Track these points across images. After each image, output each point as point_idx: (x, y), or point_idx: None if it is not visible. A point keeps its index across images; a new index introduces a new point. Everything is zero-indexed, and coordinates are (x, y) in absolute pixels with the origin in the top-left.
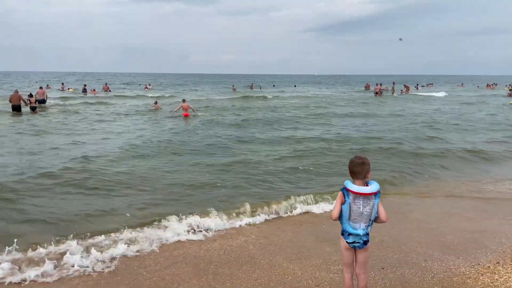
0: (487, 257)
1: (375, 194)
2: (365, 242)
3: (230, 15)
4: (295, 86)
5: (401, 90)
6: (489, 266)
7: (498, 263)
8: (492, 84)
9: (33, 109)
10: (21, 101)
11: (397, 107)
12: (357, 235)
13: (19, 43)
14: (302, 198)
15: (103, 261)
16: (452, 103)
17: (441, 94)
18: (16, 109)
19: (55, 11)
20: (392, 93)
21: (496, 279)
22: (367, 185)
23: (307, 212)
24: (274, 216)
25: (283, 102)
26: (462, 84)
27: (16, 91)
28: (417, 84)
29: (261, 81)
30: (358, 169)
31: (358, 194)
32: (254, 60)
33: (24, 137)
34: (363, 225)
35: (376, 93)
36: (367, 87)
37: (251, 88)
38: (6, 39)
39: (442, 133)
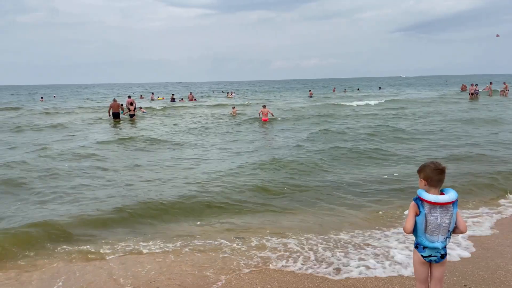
0: None
1: (453, 203)
2: (443, 256)
3: (314, 20)
4: (380, 88)
5: (501, 90)
6: None
7: None
8: None
9: (131, 116)
10: (120, 109)
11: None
12: (435, 248)
13: (117, 58)
14: None
15: None
16: None
17: None
18: (116, 116)
19: (148, 25)
20: (490, 95)
21: None
22: (442, 194)
23: None
24: None
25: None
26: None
27: (114, 100)
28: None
29: (345, 84)
30: (438, 177)
31: (435, 204)
32: (338, 63)
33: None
34: (441, 238)
35: (472, 94)
36: (463, 88)
37: (334, 91)
38: (107, 54)
39: None
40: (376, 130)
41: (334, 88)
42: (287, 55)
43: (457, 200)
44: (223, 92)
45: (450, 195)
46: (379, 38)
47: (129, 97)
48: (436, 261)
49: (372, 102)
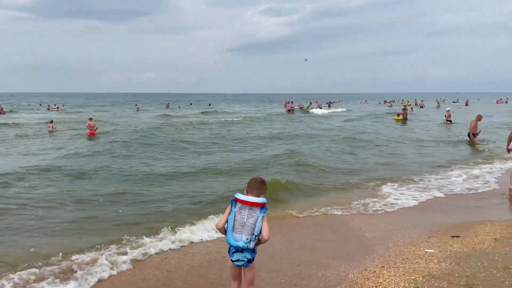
0: (374, 262)
1: (261, 207)
2: (250, 261)
3: (149, 33)
4: (209, 104)
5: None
6: (374, 271)
7: (383, 267)
8: (390, 101)
9: None
10: None
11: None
12: (238, 247)
13: None
14: None
15: None
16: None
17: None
18: None
19: None
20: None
21: (380, 282)
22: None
23: None
24: None
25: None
26: (366, 101)
27: None
28: (329, 102)
29: (178, 100)
30: (255, 186)
31: (244, 203)
32: (173, 78)
33: None
34: (245, 237)
35: (289, 110)
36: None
37: (167, 107)
38: None
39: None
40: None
41: (168, 104)
42: (121, 68)
43: (265, 206)
44: (41, 105)
45: (259, 199)
46: (211, 56)
47: None
48: (244, 266)
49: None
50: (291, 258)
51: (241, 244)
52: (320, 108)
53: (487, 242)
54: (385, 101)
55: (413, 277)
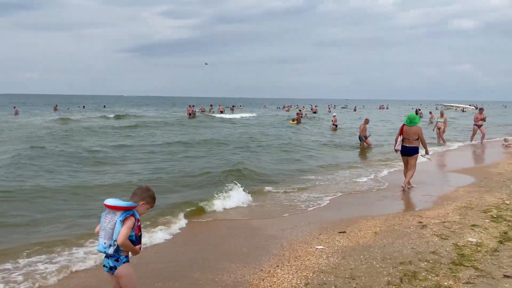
0: (269, 262)
1: (123, 212)
2: (111, 268)
3: (35, 29)
4: (104, 106)
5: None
6: (269, 271)
7: (277, 266)
8: (287, 106)
9: None
10: None
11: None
12: (100, 251)
13: None
14: None
15: None
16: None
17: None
18: None
19: None
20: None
21: (274, 281)
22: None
23: None
24: None
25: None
26: (265, 106)
27: None
28: (233, 106)
29: (69, 102)
30: (137, 192)
31: (106, 207)
32: (61, 79)
33: None
34: (102, 241)
35: (189, 114)
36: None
37: (55, 109)
38: None
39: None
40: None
41: (56, 106)
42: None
43: (127, 211)
44: None
45: (117, 202)
46: (104, 56)
47: None
48: (109, 272)
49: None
50: (186, 265)
51: (100, 248)
52: (222, 112)
53: (369, 235)
54: (283, 106)
55: (304, 274)
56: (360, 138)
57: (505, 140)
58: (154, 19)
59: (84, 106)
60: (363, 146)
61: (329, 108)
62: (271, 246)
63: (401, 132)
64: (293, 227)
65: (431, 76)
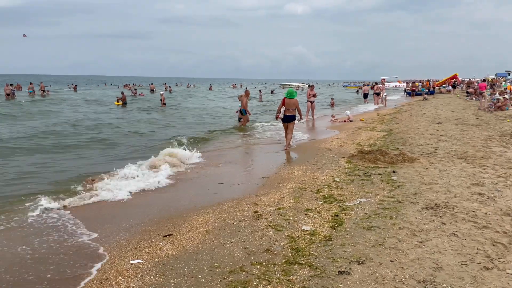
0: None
1: None
2: None
3: None
4: None
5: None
6: None
7: None
8: (132, 85)
9: None
10: None
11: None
12: None
13: None
14: None
15: None
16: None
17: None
18: None
19: None
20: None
21: None
22: None
23: None
24: None
25: None
26: (105, 84)
27: None
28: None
29: None
30: None
31: None
32: None
33: None
34: None
35: (8, 94)
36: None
37: None
38: None
39: None
40: None
41: None
42: None
43: None
44: None
45: None
46: None
47: None
48: None
49: None
50: None
51: None
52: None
53: (198, 236)
54: (125, 85)
55: None
56: (241, 111)
57: (332, 116)
58: None
59: None
60: (245, 119)
61: (166, 87)
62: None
63: (283, 103)
64: (107, 235)
65: (273, 57)
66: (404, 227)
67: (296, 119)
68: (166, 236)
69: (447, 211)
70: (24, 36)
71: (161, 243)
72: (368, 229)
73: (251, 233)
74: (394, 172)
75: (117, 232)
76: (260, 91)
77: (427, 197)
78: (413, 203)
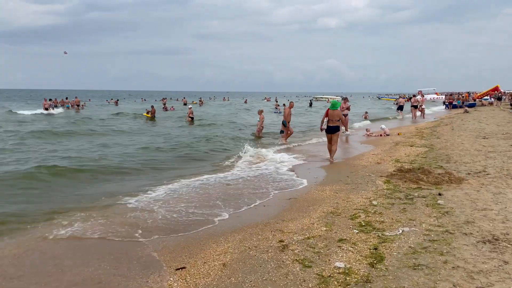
0: None
1: None
2: None
3: None
4: None
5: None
6: None
7: None
8: (162, 99)
9: None
10: None
11: None
12: None
13: None
14: None
15: None
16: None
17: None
18: None
19: None
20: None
21: None
22: None
23: None
24: None
25: None
26: (142, 99)
27: None
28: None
29: None
30: None
31: None
32: None
33: None
34: None
35: (46, 109)
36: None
37: None
38: None
39: None
40: None
41: None
42: None
43: None
44: None
45: None
46: None
47: None
48: None
49: None
50: None
51: None
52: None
53: (214, 271)
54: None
55: None
56: (283, 123)
57: (367, 130)
58: (12, 3)
59: None
60: (287, 132)
61: (200, 101)
62: None
63: (327, 114)
64: (115, 267)
65: (306, 70)
66: (458, 267)
67: (342, 131)
68: (179, 269)
69: (509, 245)
70: (65, 53)
71: (171, 279)
72: (415, 268)
73: (275, 269)
74: (440, 194)
75: (125, 261)
76: (276, 101)
77: (482, 227)
78: (466, 234)
